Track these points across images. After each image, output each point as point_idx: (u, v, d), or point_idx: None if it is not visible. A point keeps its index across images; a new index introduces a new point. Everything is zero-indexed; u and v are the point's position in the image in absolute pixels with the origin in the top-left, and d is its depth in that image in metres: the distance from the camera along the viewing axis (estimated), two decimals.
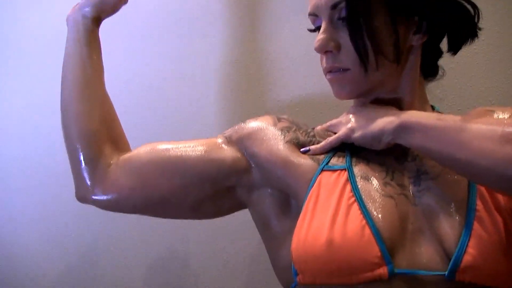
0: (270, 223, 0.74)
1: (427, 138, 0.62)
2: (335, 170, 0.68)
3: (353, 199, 0.64)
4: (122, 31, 1.23)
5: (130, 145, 0.84)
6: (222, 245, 1.19)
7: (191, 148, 0.76)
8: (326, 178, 0.68)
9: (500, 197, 0.64)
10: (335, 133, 0.73)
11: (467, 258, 0.59)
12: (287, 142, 0.73)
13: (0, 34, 1.36)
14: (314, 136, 0.75)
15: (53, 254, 1.28)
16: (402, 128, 0.65)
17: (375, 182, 0.67)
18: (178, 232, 1.22)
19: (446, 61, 0.79)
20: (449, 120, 0.62)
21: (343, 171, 0.68)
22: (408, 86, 0.73)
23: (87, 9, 0.83)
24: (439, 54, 0.77)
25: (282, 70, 1.18)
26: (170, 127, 1.22)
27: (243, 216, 0.84)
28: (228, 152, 0.76)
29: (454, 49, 0.76)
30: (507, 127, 0.57)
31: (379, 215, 0.62)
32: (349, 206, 0.63)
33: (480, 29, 0.73)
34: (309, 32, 0.78)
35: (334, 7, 0.68)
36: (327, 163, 0.70)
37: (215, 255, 1.19)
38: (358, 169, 0.68)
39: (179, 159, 0.76)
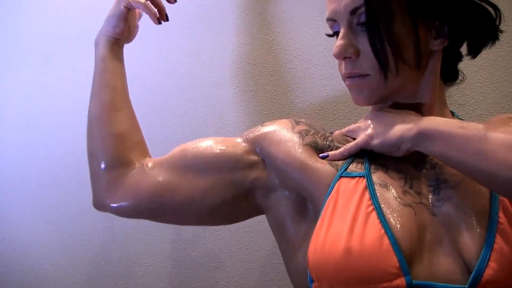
0: (286, 226, 0.73)
1: (448, 146, 0.61)
2: (353, 177, 0.68)
3: (371, 207, 0.63)
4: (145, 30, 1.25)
5: (154, 147, 0.85)
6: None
7: (211, 146, 0.77)
8: (345, 184, 0.67)
9: None
10: (353, 139, 0.73)
11: (488, 272, 0.58)
12: (305, 145, 0.73)
13: (0, 34, 1.37)
14: (332, 141, 0.74)
15: (53, 254, 1.30)
16: (422, 135, 0.63)
17: (393, 190, 0.66)
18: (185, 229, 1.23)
19: (466, 65, 0.77)
20: (471, 128, 0.60)
21: (362, 178, 0.67)
22: (427, 91, 0.71)
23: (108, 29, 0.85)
24: (459, 58, 0.75)
25: (302, 72, 1.17)
26: (189, 128, 1.23)
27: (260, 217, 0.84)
28: (243, 148, 0.76)
29: (474, 52, 0.74)
30: None
31: (398, 225, 0.61)
32: (368, 215, 0.62)
33: (501, 31, 0.71)
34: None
35: (353, 12, 0.67)
36: (345, 170, 0.69)
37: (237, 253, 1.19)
38: (377, 177, 0.68)
39: (201, 159, 0.77)
